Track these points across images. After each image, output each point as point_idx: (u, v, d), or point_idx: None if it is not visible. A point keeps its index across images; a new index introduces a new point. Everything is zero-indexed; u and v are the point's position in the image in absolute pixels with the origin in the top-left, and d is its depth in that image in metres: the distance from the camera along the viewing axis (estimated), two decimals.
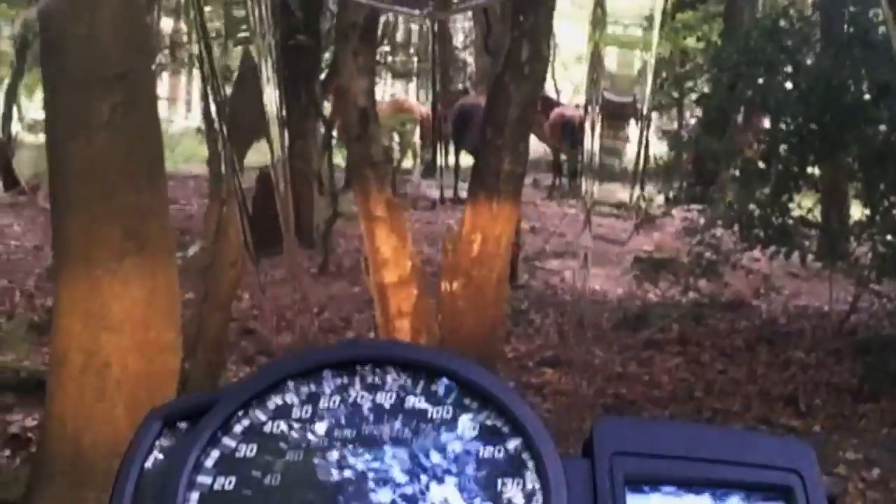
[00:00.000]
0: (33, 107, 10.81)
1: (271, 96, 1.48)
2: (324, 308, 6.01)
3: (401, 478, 0.61)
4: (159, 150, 2.53)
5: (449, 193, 10.17)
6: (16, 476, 3.17)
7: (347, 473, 0.61)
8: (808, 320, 6.16)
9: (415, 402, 0.65)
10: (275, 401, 0.65)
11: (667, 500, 0.64)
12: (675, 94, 10.55)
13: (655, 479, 0.64)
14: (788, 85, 5.58)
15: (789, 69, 5.53)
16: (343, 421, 0.64)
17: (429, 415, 0.65)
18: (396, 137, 11.21)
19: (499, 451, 0.63)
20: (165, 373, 2.36)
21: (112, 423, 2.20)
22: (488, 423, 0.64)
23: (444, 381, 0.66)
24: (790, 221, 5.54)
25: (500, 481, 0.61)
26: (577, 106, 11.05)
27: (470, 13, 12.52)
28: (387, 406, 0.65)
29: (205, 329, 3.51)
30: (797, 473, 0.64)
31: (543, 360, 5.29)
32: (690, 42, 9.63)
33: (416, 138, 12.09)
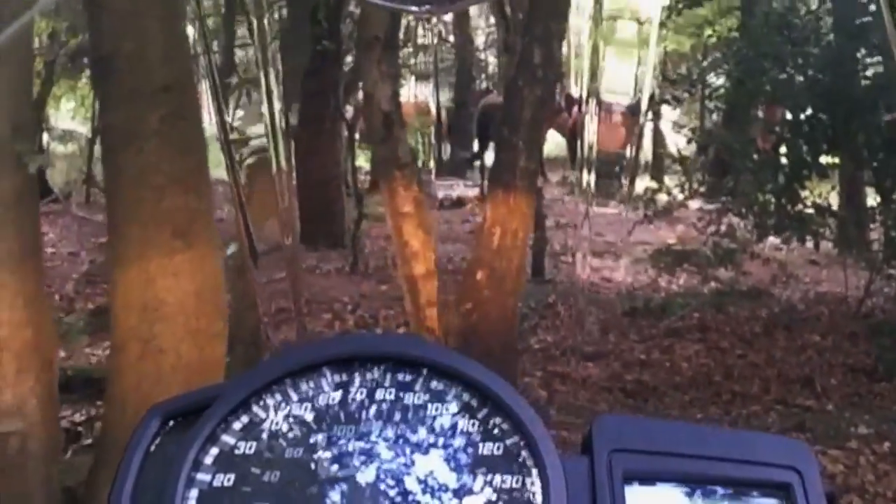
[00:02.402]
0: (61, 117, 11.05)
1: (275, 109, 1.66)
2: (357, 305, 6.24)
3: (399, 474, 0.62)
4: (204, 156, 2.75)
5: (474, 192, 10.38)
6: (72, 464, 3.39)
7: (346, 470, 0.62)
8: (826, 306, 6.31)
9: (413, 398, 0.66)
10: (274, 398, 0.65)
11: (665, 496, 0.65)
12: (694, 90, 10.67)
13: (654, 477, 0.65)
14: (800, 78, 5.74)
15: (800, 61, 5.69)
16: (342, 418, 0.65)
17: (428, 411, 0.65)
18: (419, 138, 11.42)
19: (498, 448, 0.63)
20: (215, 359, 2.58)
21: None
22: (487, 420, 0.64)
23: (444, 378, 0.66)
24: (804, 209, 5.71)
25: (499, 478, 0.61)
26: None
27: (491, 15, 12.73)
28: (385, 403, 0.65)
29: (241, 326, 3.72)
30: (795, 471, 0.65)
31: (568, 349, 5.49)
32: (708, 37, 9.75)
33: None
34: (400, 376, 0.67)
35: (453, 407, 0.65)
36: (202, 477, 0.61)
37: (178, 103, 2.68)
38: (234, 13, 4.86)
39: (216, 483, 0.61)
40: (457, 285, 3.84)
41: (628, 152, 12.21)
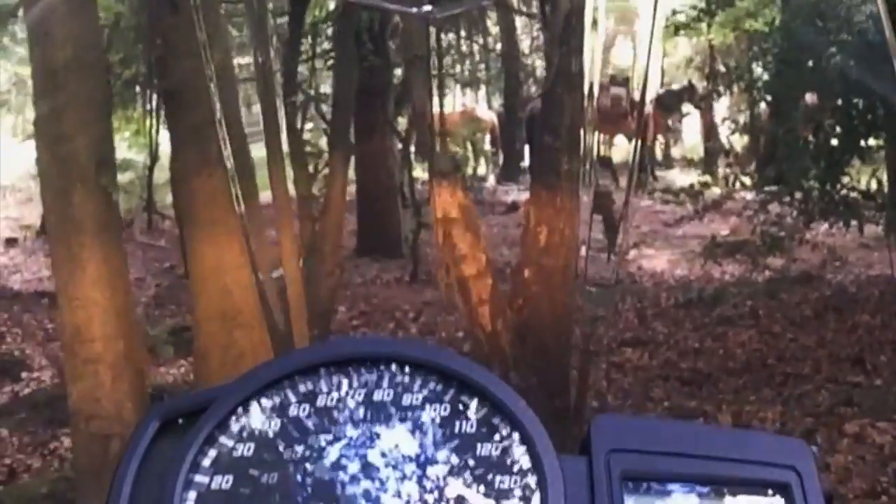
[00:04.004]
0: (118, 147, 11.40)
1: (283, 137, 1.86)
2: (419, 313, 6.46)
3: (397, 476, 0.62)
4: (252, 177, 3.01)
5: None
6: None
7: (345, 472, 0.62)
8: (876, 287, 6.40)
9: (412, 399, 0.65)
10: (272, 400, 0.65)
11: (663, 496, 0.64)
12: (740, 82, 10.74)
13: (652, 476, 0.65)
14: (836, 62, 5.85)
15: (833, 49, 5.81)
16: (340, 419, 0.64)
17: (426, 412, 0.65)
18: (469, 146, 11.60)
19: (496, 448, 0.63)
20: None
21: None
22: (486, 420, 0.64)
23: (442, 378, 0.66)
24: (848, 194, 5.83)
25: (497, 478, 0.61)
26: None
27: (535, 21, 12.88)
28: (383, 404, 0.65)
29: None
30: (794, 470, 0.65)
31: (624, 340, 5.66)
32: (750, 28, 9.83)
33: (487, 145, 12.47)
34: (398, 378, 0.66)
35: (451, 408, 0.65)
36: (200, 479, 0.61)
37: (241, 132, 2.95)
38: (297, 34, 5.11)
39: (214, 485, 0.61)
40: (509, 284, 4.03)
41: (658, 145, 12.26)
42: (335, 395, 0.66)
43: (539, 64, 13.98)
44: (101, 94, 2.98)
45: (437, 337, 5.90)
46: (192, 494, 0.61)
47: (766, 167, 8.09)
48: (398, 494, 0.61)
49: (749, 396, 4.78)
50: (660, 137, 12.16)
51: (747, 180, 8.75)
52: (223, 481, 0.61)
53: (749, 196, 8.44)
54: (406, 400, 0.66)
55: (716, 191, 9.78)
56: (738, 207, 9.12)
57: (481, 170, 11.95)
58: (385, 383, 0.66)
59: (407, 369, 0.67)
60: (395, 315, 6.37)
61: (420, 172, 9.70)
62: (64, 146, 2.80)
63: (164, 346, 3.05)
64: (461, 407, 0.65)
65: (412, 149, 8.89)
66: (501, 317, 3.52)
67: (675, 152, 12.94)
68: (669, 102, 11.63)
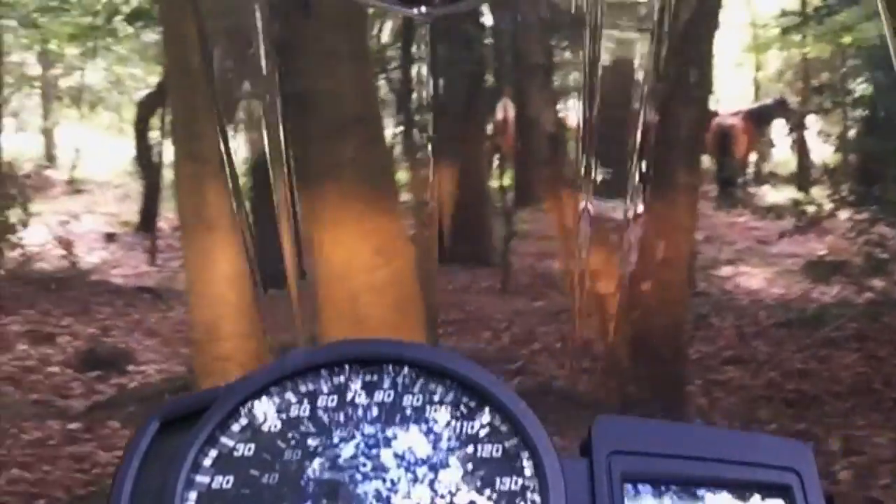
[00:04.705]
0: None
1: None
2: (511, 322, 6.44)
3: (398, 477, 0.62)
4: (393, 179, 3.02)
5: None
6: None
7: (345, 472, 0.62)
8: None
9: (412, 401, 0.66)
10: (273, 400, 0.66)
11: (664, 498, 0.65)
12: (839, 98, 10.53)
13: (653, 478, 0.65)
14: None
15: None
16: (341, 420, 0.65)
17: (426, 414, 0.65)
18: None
19: (497, 450, 0.63)
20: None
21: None
22: (486, 422, 0.64)
23: (443, 380, 0.66)
24: None
25: (498, 480, 0.62)
26: (735, 114, 11.12)
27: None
28: (384, 405, 0.65)
29: None
30: (795, 472, 0.65)
31: (725, 359, 5.57)
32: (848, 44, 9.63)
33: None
34: (398, 379, 0.67)
35: (452, 409, 0.65)
36: (201, 479, 0.61)
37: (368, 134, 2.96)
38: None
39: (215, 485, 0.61)
40: (624, 296, 3.99)
41: (750, 160, 12.07)
42: (336, 396, 0.66)
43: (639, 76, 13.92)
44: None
45: (531, 347, 5.88)
46: (193, 494, 0.61)
47: (863, 186, 7.92)
48: (397, 488, 0.61)
49: (857, 421, 4.67)
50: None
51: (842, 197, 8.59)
52: (224, 481, 0.61)
53: (844, 215, 8.27)
54: (407, 402, 0.66)
55: (810, 208, 9.62)
56: (833, 226, 8.96)
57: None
58: (386, 385, 0.66)
59: (408, 371, 0.67)
60: (489, 324, 6.35)
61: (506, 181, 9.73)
62: (198, 144, 2.83)
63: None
64: (463, 409, 0.65)
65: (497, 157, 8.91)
66: (620, 329, 3.48)
67: (766, 168, 12.75)
68: (761, 117, 11.46)
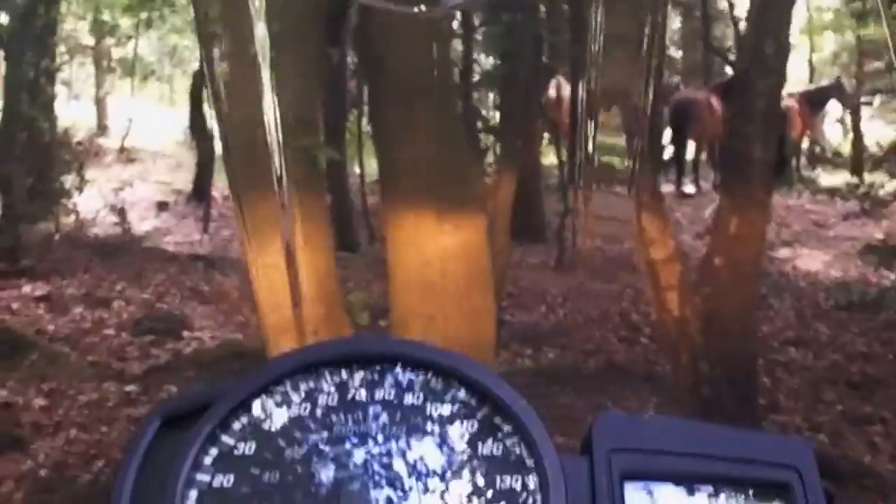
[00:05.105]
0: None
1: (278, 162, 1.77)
2: (566, 297, 6.38)
3: (399, 475, 0.61)
4: (465, 149, 2.96)
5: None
6: None
7: (346, 471, 0.62)
8: None
9: (413, 399, 0.65)
10: (273, 398, 0.66)
11: (664, 496, 0.64)
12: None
13: (653, 476, 0.65)
14: None
15: None
16: (342, 418, 0.64)
17: (427, 412, 0.65)
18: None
19: (497, 448, 0.63)
20: (487, 337, 2.77)
21: None
22: (486, 419, 0.64)
23: (443, 378, 0.66)
24: None
25: (498, 478, 0.61)
26: (790, 95, 10.95)
27: (679, 10, 12.63)
28: (385, 403, 0.65)
29: None
30: (796, 470, 0.65)
31: (787, 339, 5.48)
32: None
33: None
34: (399, 377, 0.66)
35: (453, 407, 0.65)
36: (201, 477, 0.61)
37: (440, 101, 2.90)
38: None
39: (216, 483, 0.61)
40: (694, 272, 3.91)
41: (804, 143, 11.83)
42: (337, 394, 0.65)
43: (675, 55, 13.79)
44: (304, 55, 2.95)
45: (586, 321, 5.82)
46: (194, 493, 0.61)
47: None
48: (398, 486, 0.61)
49: None
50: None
51: None
52: (225, 480, 0.61)
53: None
54: (407, 399, 0.65)
55: (865, 192, 9.46)
56: (891, 210, 8.81)
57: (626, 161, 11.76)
58: (386, 383, 0.66)
59: (408, 369, 0.67)
60: (545, 298, 6.30)
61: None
62: (257, 109, 2.78)
63: (360, 314, 3.02)
64: (463, 406, 0.65)
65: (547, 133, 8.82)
66: (690, 304, 3.40)
67: (820, 151, 12.56)
68: (816, 100, 11.26)
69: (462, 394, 0.65)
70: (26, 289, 6.06)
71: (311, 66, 2.92)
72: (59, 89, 9.85)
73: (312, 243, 2.73)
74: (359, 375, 0.66)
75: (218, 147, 9.17)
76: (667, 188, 10.33)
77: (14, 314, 5.63)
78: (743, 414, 3.47)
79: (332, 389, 0.66)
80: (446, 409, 0.64)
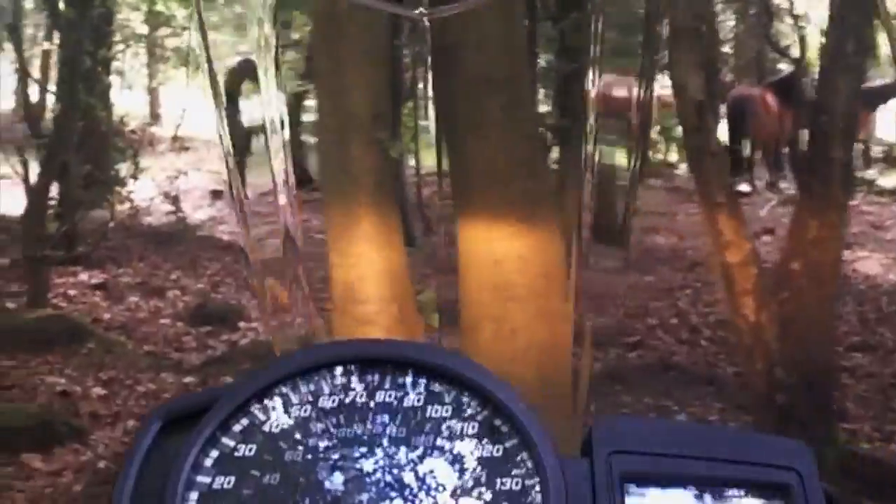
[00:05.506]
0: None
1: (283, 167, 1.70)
2: (626, 296, 6.28)
3: (400, 477, 0.61)
4: (538, 144, 2.87)
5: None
6: None
7: (347, 473, 0.61)
8: None
9: (414, 400, 0.65)
10: (274, 400, 0.66)
11: (665, 498, 0.64)
12: None
13: (653, 478, 0.64)
14: None
15: None
16: (342, 420, 0.64)
17: (427, 413, 0.65)
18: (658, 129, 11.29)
19: (497, 450, 0.63)
20: (564, 341, 2.68)
21: (524, 385, 2.52)
22: (487, 421, 0.64)
23: (444, 380, 0.66)
24: None
25: (498, 480, 0.61)
26: None
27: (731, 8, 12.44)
28: (386, 405, 0.65)
29: None
30: (795, 472, 0.64)
31: (851, 344, 5.35)
32: None
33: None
34: (400, 379, 0.66)
35: (453, 409, 0.65)
36: (202, 479, 0.61)
37: (516, 94, 2.81)
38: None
39: (216, 485, 0.61)
40: (770, 276, 3.80)
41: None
42: (337, 396, 0.66)
43: (737, 50, 13.61)
44: (379, 47, 2.89)
45: (647, 322, 5.73)
46: (194, 494, 0.61)
47: None
48: (398, 488, 0.60)
49: None
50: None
51: None
52: (225, 481, 0.61)
53: None
54: (407, 401, 0.65)
55: None
56: None
57: (672, 156, 11.64)
58: (387, 384, 0.66)
59: (410, 371, 0.67)
60: (609, 297, 6.22)
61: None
62: (343, 98, 2.72)
63: (431, 315, 2.94)
64: (463, 408, 0.65)
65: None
66: (766, 308, 3.30)
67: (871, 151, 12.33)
68: (871, 99, 11.05)
69: (463, 396, 0.65)
70: (82, 276, 6.07)
71: (381, 58, 2.85)
72: (113, 79, 9.90)
73: (383, 239, 2.67)
74: (359, 377, 0.67)
75: (254, 141, 9.19)
76: None
77: (71, 301, 5.64)
78: (818, 422, 3.38)
79: (333, 391, 0.66)
80: (447, 411, 0.65)
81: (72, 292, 5.77)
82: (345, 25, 2.75)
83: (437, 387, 0.66)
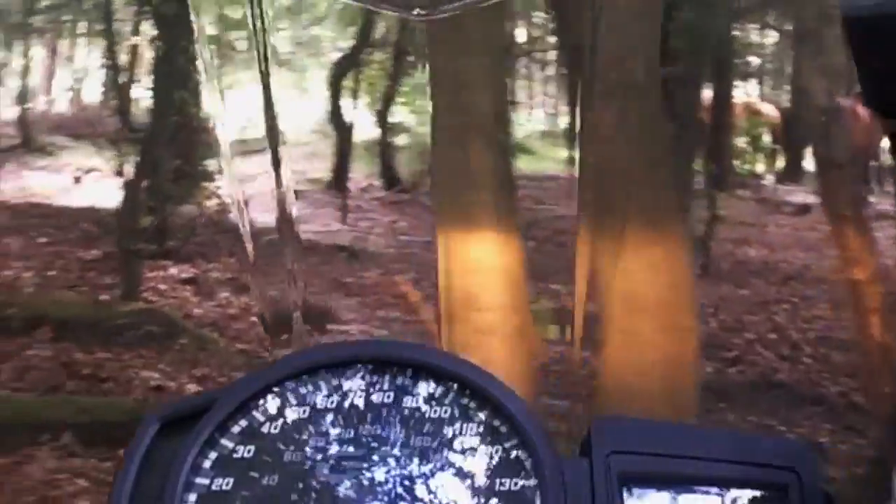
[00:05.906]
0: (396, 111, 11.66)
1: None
2: (716, 308, 6.11)
3: (397, 477, 0.61)
4: (670, 154, 2.76)
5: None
6: None
7: (344, 473, 0.61)
8: None
9: (412, 402, 0.66)
10: (272, 402, 0.65)
11: (663, 498, 0.64)
12: None
13: (652, 478, 0.65)
14: None
15: None
16: (340, 421, 0.65)
17: (426, 415, 0.65)
18: (745, 139, 11.06)
19: (497, 450, 0.63)
20: (690, 354, 2.58)
21: (651, 399, 2.42)
22: (486, 422, 0.64)
23: (442, 381, 0.66)
24: None
25: (498, 480, 0.61)
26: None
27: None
28: (383, 406, 0.65)
29: None
30: (794, 472, 0.64)
31: None
32: None
33: (769, 141, 11.83)
34: (398, 380, 0.66)
35: (452, 410, 0.65)
36: (201, 480, 0.61)
37: (651, 100, 2.70)
38: None
39: (214, 487, 0.61)
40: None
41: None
42: (334, 397, 0.65)
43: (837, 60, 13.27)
44: (497, 45, 2.80)
45: (744, 336, 5.56)
46: (193, 496, 0.60)
47: None
48: (396, 489, 0.60)
49: None
50: None
51: None
52: (223, 483, 0.61)
53: None
54: (406, 402, 0.65)
55: None
56: None
57: (759, 167, 11.38)
58: (385, 385, 0.66)
59: (408, 372, 0.66)
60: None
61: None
62: (464, 94, 2.64)
63: (547, 326, 2.86)
64: (462, 409, 0.64)
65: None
66: (893, 329, 3.16)
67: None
68: None
69: (462, 397, 0.66)
70: (172, 270, 6.09)
71: (498, 56, 2.76)
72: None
73: (503, 244, 2.58)
74: (357, 379, 0.67)
75: (356, 137, 9.20)
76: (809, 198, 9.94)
77: (161, 295, 5.64)
78: None
79: (331, 393, 0.66)
80: (445, 412, 0.65)
81: (162, 286, 5.78)
82: (466, 22, 2.67)
83: (435, 388, 0.66)
